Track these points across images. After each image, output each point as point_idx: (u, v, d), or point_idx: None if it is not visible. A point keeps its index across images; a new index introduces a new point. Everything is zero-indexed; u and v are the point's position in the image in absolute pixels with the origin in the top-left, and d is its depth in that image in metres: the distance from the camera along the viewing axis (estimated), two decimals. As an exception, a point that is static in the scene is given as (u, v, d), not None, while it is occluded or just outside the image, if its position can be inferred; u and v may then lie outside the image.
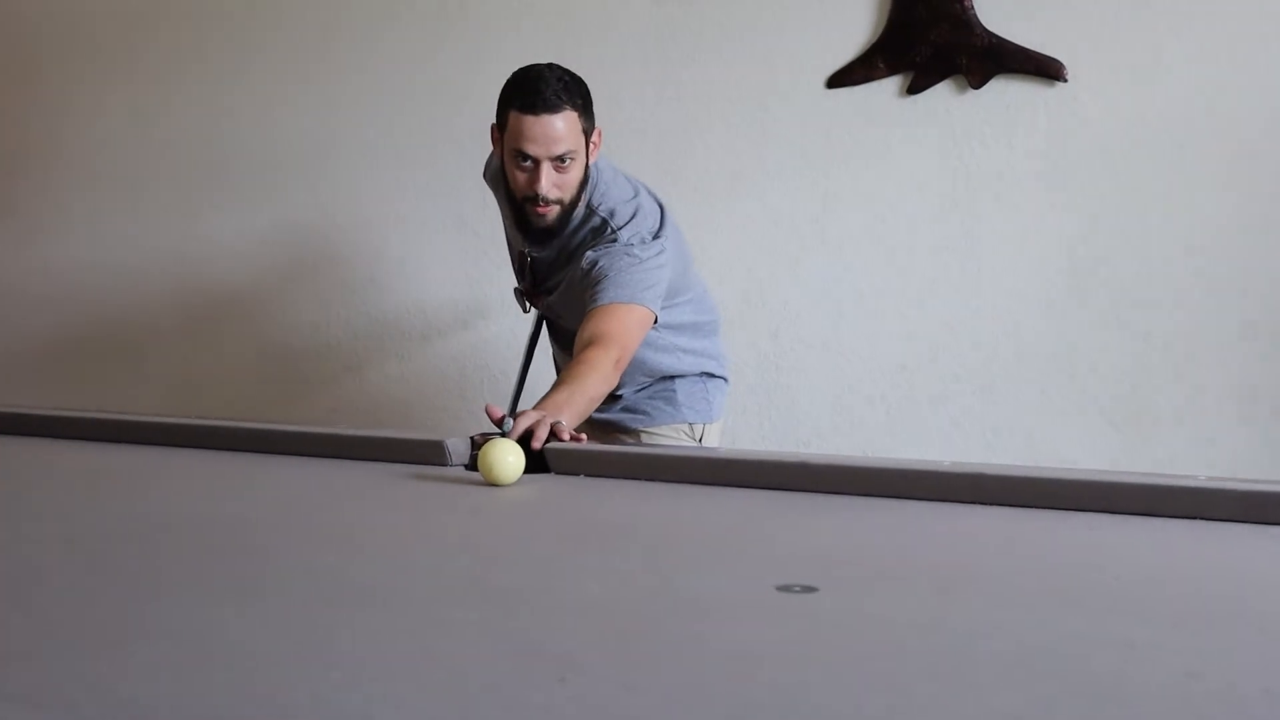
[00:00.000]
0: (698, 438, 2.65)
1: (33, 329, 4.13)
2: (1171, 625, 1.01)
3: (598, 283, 2.32)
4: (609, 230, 2.40)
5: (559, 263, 2.49)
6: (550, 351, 2.77)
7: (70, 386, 4.00)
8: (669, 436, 2.62)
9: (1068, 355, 2.99)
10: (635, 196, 2.47)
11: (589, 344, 2.22)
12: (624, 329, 2.28)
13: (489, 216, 2.94)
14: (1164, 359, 2.92)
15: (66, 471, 1.90)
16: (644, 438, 2.61)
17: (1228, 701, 0.81)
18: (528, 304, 2.69)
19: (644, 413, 2.62)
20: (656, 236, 2.43)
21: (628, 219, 2.41)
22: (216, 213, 3.84)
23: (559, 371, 2.64)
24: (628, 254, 2.36)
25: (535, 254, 2.51)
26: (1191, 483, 1.47)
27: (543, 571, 1.22)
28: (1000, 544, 1.38)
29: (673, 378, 2.61)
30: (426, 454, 1.87)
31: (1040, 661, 0.89)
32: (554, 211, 2.36)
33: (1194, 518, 1.42)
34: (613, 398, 2.49)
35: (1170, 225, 2.91)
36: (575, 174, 2.35)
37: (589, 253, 2.38)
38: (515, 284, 2.68)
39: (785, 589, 1.11)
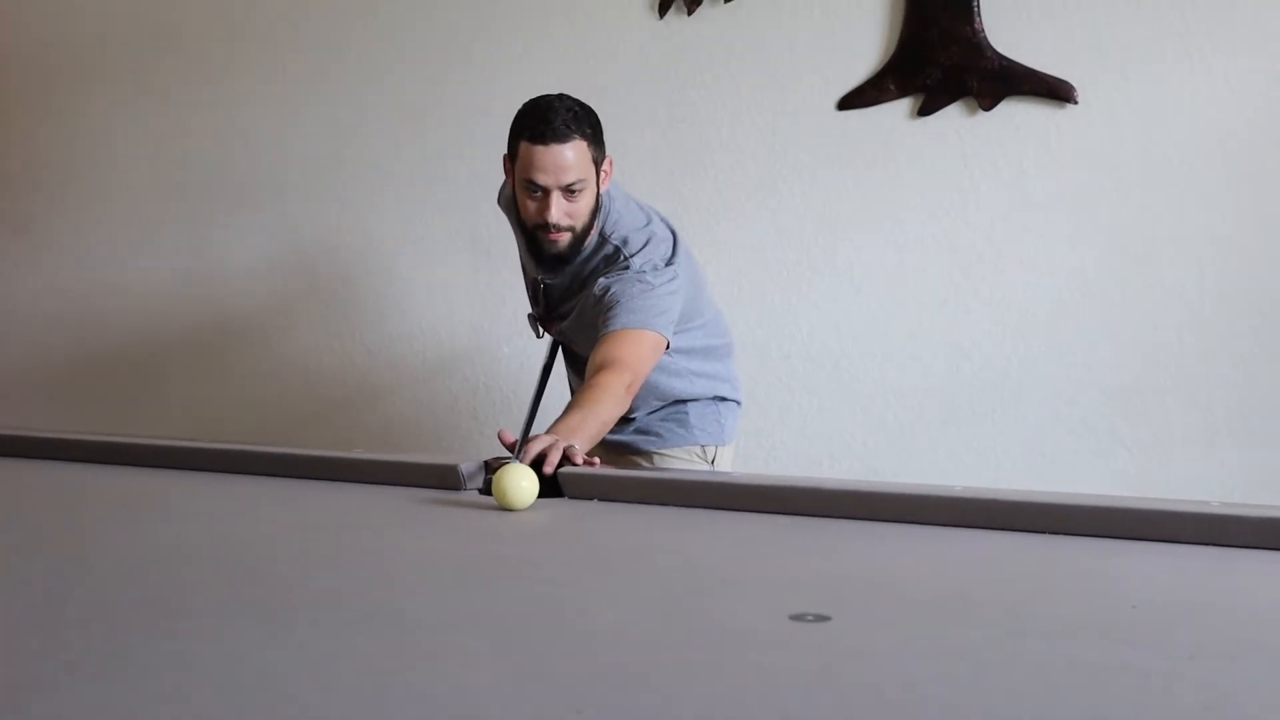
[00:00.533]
0: (710, 460, 2.65)
1: (45, 347, 4.15)
2: (1188, 656, 1.01)
3: (610, 308, 2.34)
4: (622, 258, 2.42)
5: (572, 289, 2.51)
6: (565, 376, 2.78)
7: (83, 406, 4.02)
8: (681, 459, 2.63)
9: (1079, 376, 2.99)
10: (648, 224, 2.48)
11: (601, 368, 2.23)
12: (636, 354, 2.29)
13: (502, 237, 2.95)
14: (1176, 380, 2.92)
15: (82, 495, 1.91)
16: (656, 460, 2.62)
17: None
18: (541, 329, 2.71)
19: (656, 434, 2.63)
20: (669, 263, 2.44)
21: (640, 246, 2.43)
22: (229, 233, 3.86)
23: (573, 395, 2.64)
24: (640, 280, 2.37)
25: (548, 280, 2.53)
26: (1204, 509, 1.47)
27: (556, 599, 1.23)
28: (1013, 570, 1.38)
29: (685, 401, 2.62)
30: (441, 478, 1.87)
31: (1055, 693, 0.90)
32: (565, 239, 2.38)
33: (1208, 544, 1.43)
34: (625, 420, 2.50)
35: (1183, 246, 2.92)
36: (585, 202, 2.37)
37: (601, 279, 2.40)
38: (529, 309, 2.70)
39: (798, 618, 1.12)
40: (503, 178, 2.58)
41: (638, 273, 2.39)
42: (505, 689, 0.90)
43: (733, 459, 2.74)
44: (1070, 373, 3.00)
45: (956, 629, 1.10)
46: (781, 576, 1.35)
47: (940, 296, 3.10)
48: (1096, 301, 2.98)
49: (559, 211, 2.34)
